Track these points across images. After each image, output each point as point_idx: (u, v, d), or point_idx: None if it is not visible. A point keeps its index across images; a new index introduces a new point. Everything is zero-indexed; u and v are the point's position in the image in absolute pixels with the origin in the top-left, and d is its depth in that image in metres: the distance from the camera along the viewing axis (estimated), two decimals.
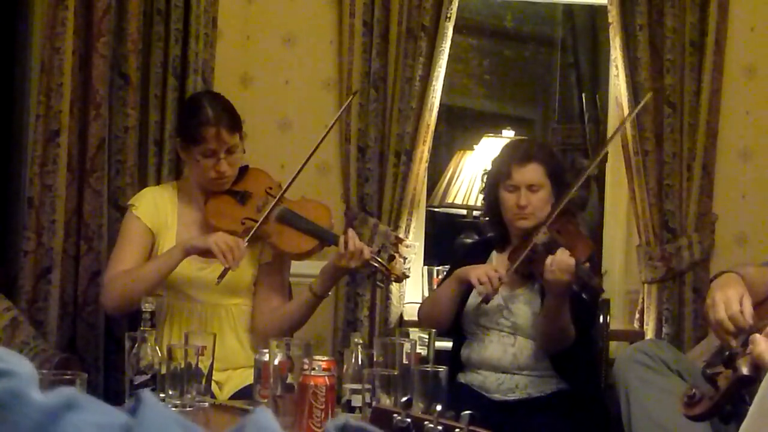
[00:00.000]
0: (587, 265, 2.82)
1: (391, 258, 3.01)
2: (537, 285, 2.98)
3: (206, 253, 2.80)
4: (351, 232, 2.86)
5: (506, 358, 2.97)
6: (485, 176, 3.18)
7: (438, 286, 3.39)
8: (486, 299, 2.89)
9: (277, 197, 2.95)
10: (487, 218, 3.18)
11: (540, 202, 2.96)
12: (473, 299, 3.04)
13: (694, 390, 2.06)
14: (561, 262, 2.73)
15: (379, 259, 2.94)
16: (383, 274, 2.98)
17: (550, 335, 2.89)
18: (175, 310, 2.90)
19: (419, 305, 3.27)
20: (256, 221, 2.90)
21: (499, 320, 3.00)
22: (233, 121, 2.92)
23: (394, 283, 3.49)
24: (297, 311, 2.94)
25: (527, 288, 3.01)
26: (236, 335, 2.94)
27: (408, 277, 3.51)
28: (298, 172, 2.96)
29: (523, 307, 2.99)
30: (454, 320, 3.07)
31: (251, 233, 2.87)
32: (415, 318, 3.42)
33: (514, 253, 2.96)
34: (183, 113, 3.12)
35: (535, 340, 2.96)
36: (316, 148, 2.99)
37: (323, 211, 3.02)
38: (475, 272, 2.90)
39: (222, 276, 2.78)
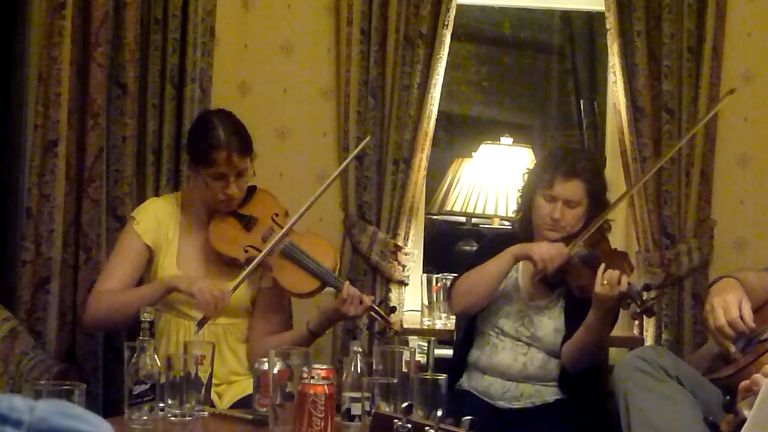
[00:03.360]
0: (633, 279, 2.85)
1: (392, 310, 2.95)
2: (561, 301, 3.00)
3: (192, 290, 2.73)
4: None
5: (515, 366, 2.98)
6: (526, 175, 3.17)
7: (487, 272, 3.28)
8: (543, 277, 2.93)
9: (284, 230, 2.87)
10: (519, 215, 3.17)
11: (574, 219, 2.97)
12: (500, 300, 3.04)
13: (711, 417, 2.06)
14: (613, 278, 2.76)
15: (379, 310, 2.88)
16: (382, 326, 2.96)
17: (585, 350, 2.90)
18: (172, 328, 2.87)
19: (456, 280, 3.10)
20: (260, 251, 2.84)
21: (518, 328, 3.01)
22: (245, 145, 2.85)
23: (392, 291, 3.49)
24: (291, 343, 2.80)
25: (551, 302, 3.02)
26: (235, 355, 2.92)
27: (403, 331, 3.39)
28: (306, 208, 2.89)
29: (547, 321, 3.00)
30: (471, 321, 3.07)
31: (252, 266, 2.82)
32: (414, 326, 3.42)
33: None
34: (193, 133, 2.98)
35: (554, 354, 2.96)
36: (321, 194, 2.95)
37: (329, 251, 2.96)
38: (539, 251, 2.91)
39: (201, 324, 2.73)
